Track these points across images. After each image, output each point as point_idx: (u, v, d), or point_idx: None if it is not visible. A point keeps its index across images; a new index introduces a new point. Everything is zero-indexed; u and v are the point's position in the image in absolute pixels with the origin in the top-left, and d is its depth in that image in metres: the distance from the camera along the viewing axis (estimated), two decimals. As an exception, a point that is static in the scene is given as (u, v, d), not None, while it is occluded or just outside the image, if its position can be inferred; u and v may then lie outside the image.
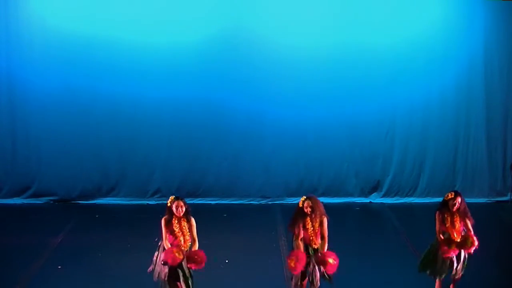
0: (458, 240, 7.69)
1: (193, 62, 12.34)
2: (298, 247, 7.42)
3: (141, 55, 12.25)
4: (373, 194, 12.99)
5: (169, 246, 7.29)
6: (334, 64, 12.49)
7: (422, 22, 12.58)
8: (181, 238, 7.32)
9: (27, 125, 12.40)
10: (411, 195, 12.93)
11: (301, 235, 7.44)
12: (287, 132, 12.59)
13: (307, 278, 7.49)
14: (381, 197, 12.94)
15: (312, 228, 7.47)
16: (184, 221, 7.34)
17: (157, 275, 7.44)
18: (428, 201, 12.53)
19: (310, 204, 7.49)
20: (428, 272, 7.95)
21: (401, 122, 12.84)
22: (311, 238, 7.45)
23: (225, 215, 11.74)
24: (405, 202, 12.84)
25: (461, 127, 12.93)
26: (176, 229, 7.31)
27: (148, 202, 12.47)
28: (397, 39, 12.56)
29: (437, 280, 7.95)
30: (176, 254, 7.16)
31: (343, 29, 12.45)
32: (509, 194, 12.91)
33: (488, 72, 12.79)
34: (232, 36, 12.31)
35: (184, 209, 7.33)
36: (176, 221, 7.34)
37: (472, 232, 7.73)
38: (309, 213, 7.47)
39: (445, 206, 7.76)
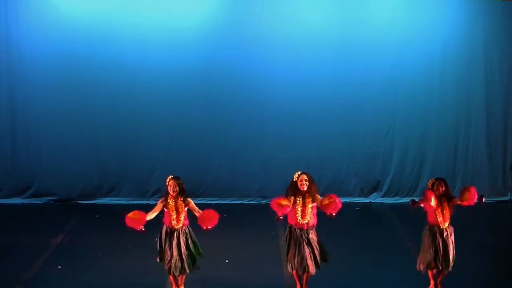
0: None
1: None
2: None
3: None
4: (373, 194, 13.00)
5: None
6: (334, 62, 12.51)
7: (422, 22, 12.58)
8: (174, 215, 7.59)
9: (27, 125, 12.42)
10: (411, 195, 12.85)
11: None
12: (287, 132, 12.58)
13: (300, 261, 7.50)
14: (381, 197, 12.95)
15: (302, 204, 7.51)
16: (180, 200, 7.65)
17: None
18: (428, 201, 12.52)
19: (306, 178, 7.58)
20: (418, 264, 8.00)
21: (401, 122, 12.85)
22: (297, 213, 7.47)
23: (225, 215, 11.70)
24: (405, 202, 12.74)
25: (461, 127, 12.93)
26: (171, 206, 7.58)
27: (148, 202, 12.36)
28: (397, 39, 12.58)
29: (428, 272, 7.98)
30: (131, 215, 7.44)
31: (343, 26, 12.47)
32: (509, 194, 12.91)
33: (488, 72, 12.79)
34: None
35: (177, 188, 7.62)
36: (172, 200, 7.63)
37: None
38: (304, 189, 7.53)
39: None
